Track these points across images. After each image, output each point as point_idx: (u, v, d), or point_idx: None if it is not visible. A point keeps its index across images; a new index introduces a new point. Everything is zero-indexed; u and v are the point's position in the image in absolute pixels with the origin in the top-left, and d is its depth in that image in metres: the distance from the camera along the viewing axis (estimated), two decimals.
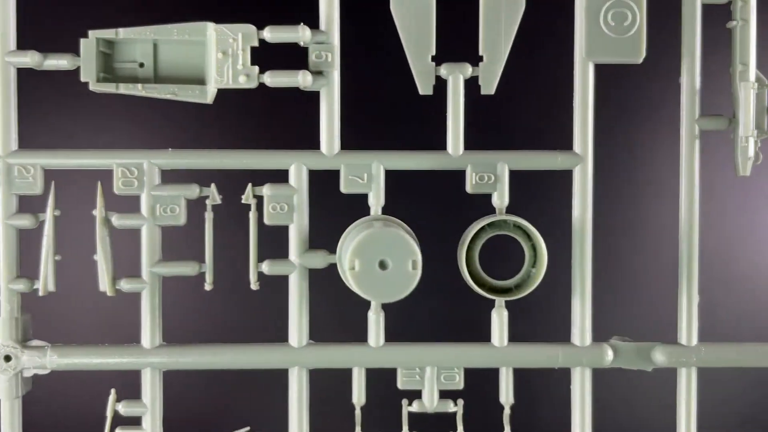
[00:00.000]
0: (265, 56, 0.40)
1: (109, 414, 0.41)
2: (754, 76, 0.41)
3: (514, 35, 0.40)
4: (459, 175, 0.41)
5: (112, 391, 0.41)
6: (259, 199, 0.41)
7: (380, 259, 0.36)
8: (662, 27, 0.40)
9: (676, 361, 0.41)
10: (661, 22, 0.41)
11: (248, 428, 0.41)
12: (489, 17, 0.40)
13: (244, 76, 0.39)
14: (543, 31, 0.40)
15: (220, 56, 0.39)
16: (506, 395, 0.41)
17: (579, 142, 0.41)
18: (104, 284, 0.41)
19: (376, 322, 0.41)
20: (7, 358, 0.41)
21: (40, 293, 0.41)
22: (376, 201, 0.41)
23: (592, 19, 0.40)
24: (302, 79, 0.40)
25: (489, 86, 0.41)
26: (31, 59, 0.40)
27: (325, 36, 0.40)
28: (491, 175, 0.41)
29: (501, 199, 0.41)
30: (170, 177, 0.41)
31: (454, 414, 0.42)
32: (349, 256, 0.36)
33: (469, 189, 0.41)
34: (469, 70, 0.40)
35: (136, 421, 0.41)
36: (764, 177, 0.42)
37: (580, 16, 0.40)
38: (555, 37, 0.41)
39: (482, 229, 0.41)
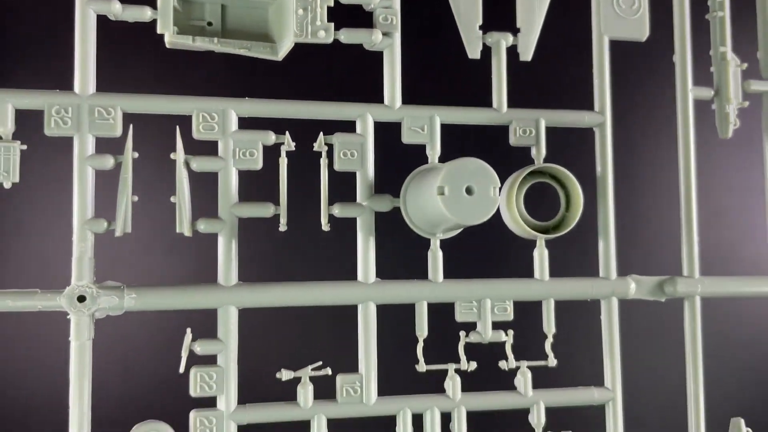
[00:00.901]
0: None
1: (184, 353, 0.41)
2: (730, 56, 0.50)
3: (545, 12, 0.47)
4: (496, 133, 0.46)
5: (188, 330, 0.42)
6: (329, 148, 0.44)
7: (467, 185, 0.40)
8: (660, 13, 0.49)
9: (684, 291, 0.48)
10: (659, 10, 0.49)
11: (320, 363, 0.43)
12: None
13: (322, 31, 0.43)
14: (569, 9, 0.47)
15: (300, 12, 0.43)
16: (548, 325, 0.46)
17: (599, 104, 0.48)
18: (182, 225, 0.42)
19: (435, 260, 0.45)
20: (81, 299, 0.40)
21: (117, 234, 0.41)
22: (434, 151, 0.45)
23: (607, 3, 0.48)
24: (375, 38, 0.44)
25: (526, 53, 0.47)
26: (111, 7, 0.41)
27: (390, 1, 0.45)
28: (531, 129, 0.47)
29: (539, 150, 0.47)
30: (244, 128, 0.43)
31: (503, 344, 0.46)
32: (439, 182, 0.40)
33: (512, 141, 0.47)
34: (510, 38, 0.47)
35: (211, 360, 0.42)
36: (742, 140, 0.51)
37: (596, 0, 0.48)
38: (579, 14, 0.48)
39: (523, 179, 0.46)
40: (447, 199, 0.40)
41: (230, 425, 0.41)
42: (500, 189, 0.41)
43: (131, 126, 0.42)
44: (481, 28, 0.46)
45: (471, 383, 0.45)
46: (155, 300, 0.41)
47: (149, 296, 0.41)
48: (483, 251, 0.53)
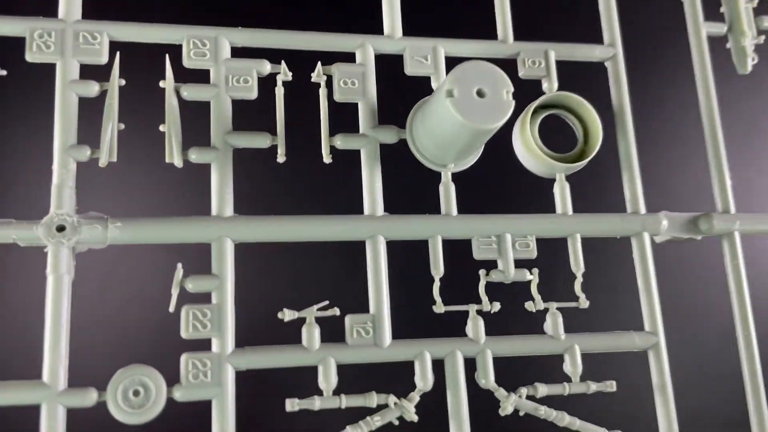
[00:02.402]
0: None
1: (175, 290, 0.37)
2: None
3: None
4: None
5: (179, 265, 0.37)
6: (328, 79, 0.42)
7: (478, 88, 0.37)
8: None
9: (722, 228, 0.44)
10: None
11: (327, 302, 0.39)
12: None
13: None
14: None
15: None
16: (576, 263, 0.42)
17: (608, 36, 0.46)
18: (171, 155, 0.39)
19: (447, 193, 0.41)
20: (61, 228, 0.36)
21: (101, 163, 0.38)
22: (439, 82, 0.43)
23: None
24: None
25: None
26: None
27: None
28: (541, 60, 0.44)
29: (551, 82, 0.44)
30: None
31: (529, 284, 0.41)
32: (447, 84, 0.37)
33: (522, 74, 0.44)
34: None
35: (205, 299, 0.37)
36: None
37: None
38: None
39: (535, 112, 0.44)
40: (457, 101, 0.37)
41: (227, 369, 0.36)
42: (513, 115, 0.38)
43: (117, 53, 0.39)
44: None
45: (494, 328, 0.41)
46: (142, 232, 0.37)
47: (136, 228, 0.37)
48: (498, 191, 0.49)
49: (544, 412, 0.39)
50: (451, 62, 0.43)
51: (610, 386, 0.40)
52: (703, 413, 0.51)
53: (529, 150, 0.43)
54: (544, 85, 0.44)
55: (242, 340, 0.38)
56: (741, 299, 0.43)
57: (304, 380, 0.38)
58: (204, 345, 0.37)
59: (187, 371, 0.36)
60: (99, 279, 0.38)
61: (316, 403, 0.37)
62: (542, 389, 0.40)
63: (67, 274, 0.36)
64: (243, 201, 0.40)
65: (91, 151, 0.38)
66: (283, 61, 0.41)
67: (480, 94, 0.37)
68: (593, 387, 0.40)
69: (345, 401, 0.37)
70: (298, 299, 0.39)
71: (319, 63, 0.42)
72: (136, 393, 0.35)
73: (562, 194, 0.43)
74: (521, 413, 0.40)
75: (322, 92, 0.41)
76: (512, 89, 0.38)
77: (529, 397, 0.40)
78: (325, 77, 0.42)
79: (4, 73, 0.38)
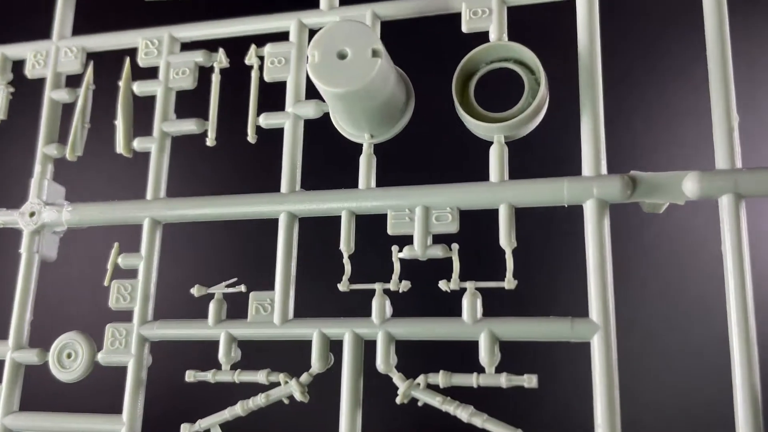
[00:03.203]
0: None
1: (110, 266, 0.41)
2: None
3: None
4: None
5: (116, 244, 0.42)
6: (261, 61, 0.42)
7: (339, 50, 0.35)
8: None
9: (713, 188, 0.34)
10: None
11: (235, 279, 0.39)
12: None
13: None
14: None
15: None
16: (507, 238, 0.36)
17: None
18: (121, 145, 0.43)
19: (367, 166, 0.39)
20: (32, 214, 0.43)
21: (68, 157, 0.44)
22: None
23: None
24: None
25: None
26: None
27: None
28: (486, 9, 0.39)
29: (499, 31, 0.39)
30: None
31: (450, 260, 0.37)
32: (309, 50, 0.35)
33: (464, 28, 0.39)
34: None
35: (134, 274, 0.41)
36: None
37: None
38: None
39: (481, 68, 0.39)
40: (316, 66, 0.35)
41: (139, 339, 0.40)
42: (382, 51, 0.35)
43: (91, 63, 0.45)
44: None
45: (411, 311, 0.37)
46: (89, 214, 0.43)
47: (84, 210, 0.43)
48: (450, 162, 0.44)
49: (442, 401, 0.35)
50: (388, 25, 0.41)
51: (530, 381, 0.34)
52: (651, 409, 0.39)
53: (462, 109, 0.38)
54: (491, 36, 0.39)
55: (169, 314, 0.40)
56: (739, 268, 0.33)
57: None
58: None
59: (107, 339, 0.40)
60: (67, 259, 0.44)
61: (211, 377, 0.38)
62: (447, 379, 0.35)
63: (37, 252, 0.43)
64: (181, 182, 0.43)
65: (63, 148, 0.44)
66: (221, 49, 0.43)
67: (341, 55, 0.35)
68: (509, 380, 0.34)
69: (238, 376, 0.38)
70: (222, 277, 0.40)
71: (253, 46, 0.43)
72: (69, 355, 0.40)
73: (498, 159, 0.37)
74: (420, 403, 0.36)
75: (254, 74, 0.42)
76: (379, 46, 0.35)
77: (433, 386, 0.36)
78: (258, 60, 0.42)
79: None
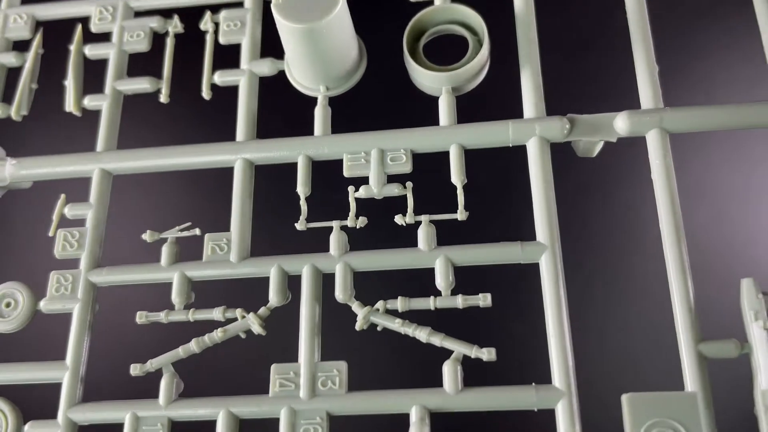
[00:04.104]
0: None
1: (55, 217, 0.41)
2: None
3: None
4: None
5: (62, 195, 0.41)
6: (216, 27, 0.44)
7: None
8: None
9: (641, 124, 0.38)
10: None
11: (189, 224, 0.39)
12: None
13: None
14: None
15: None
16: (458, 174, 0.38)
17: None
18: (70, 104, 0.43)
19: (322, 115, 0.41)
20: None
21: (13, 116, 0.43)
22: None
23: None
24: None
25: None
26: None
27: None
28: None
29: None
30: None
31: (404, 198, 0.39)
32: None
33: None
34: None
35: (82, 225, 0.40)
36: None
37: None
38: None
39: (429, 29, 0.42)
40: (281, 5, 0.37)
41: (87, 284, 0.39)
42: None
43: (41, 29, 0.46)
44: None
45: (368, 245, 0.38)
46: (33, 167, 0.42)
47: (28, 164, 0.42)
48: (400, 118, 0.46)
49: (401, 324, 0.36)
50: None
51: (484, 299, 0.36)
52: (598, 324, 0.42)
53: (411, 68, 0.41)
54: (436, 2, 0.43)
55: (111, 263, 0.40)
56: (671, 199, 0.36)
57: None
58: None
59: (51, 285, 0.39)
60: (9, 216, 0.43)
61: (164, 317, 0.38)
62: (404, 303, 0.36)
63: None
64: (132, 138, 0.43)
65: (8, 107, 0.44)
66: (175, 15, 0.45)
67: None
68: (464, 301, 0.36)
69: (193, 315, 0.37)
70: (166, 223, 0.40)
71: (208, 12, 0.44)
72: (8, 304, 0.39)
73: (446, 106, 0.40)
74: (379, 328, 0.36)
75: (210, 37, 0.44)
76: None
77: (392, 311, 0.36)
78: (213, 25, 0.44)
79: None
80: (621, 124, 0.38)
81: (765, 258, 0.39)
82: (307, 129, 0.41)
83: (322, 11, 0.37)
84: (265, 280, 0.38)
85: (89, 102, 0.43)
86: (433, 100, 0.41)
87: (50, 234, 0.40)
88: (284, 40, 0.39)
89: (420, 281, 0.38)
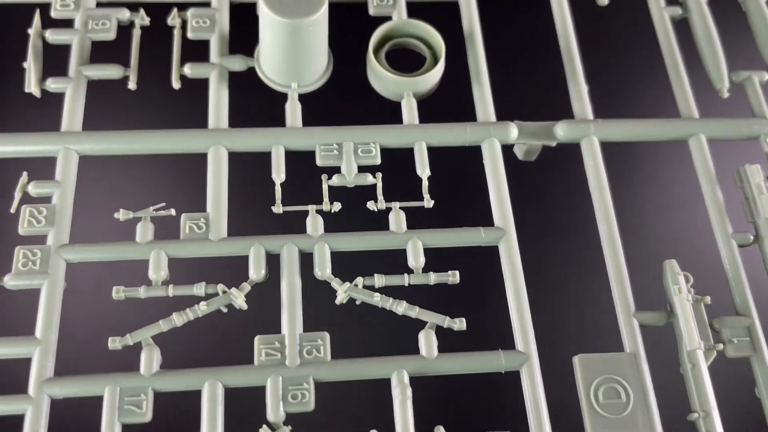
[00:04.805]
0: None
1: (18, 193, 0.40)
2: None
3: None
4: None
5: (24, 173, 0.40)
6: (183, 23, 0.46)
7: None
8: None
9: (576, 134, 0.44)
10: None
11: (164, 204, 0.40)
12: None
13: None
14: None
15: None
16: (422, 167, 0.42)
17: None
18: (30, 85, 0.43)
19: (293, 109, 0.44)
20: None
21: None
22: None
23: None
24: None
25: None
26: None
27: None
28: None
29: (400, 16, 0.47)
30: None
31: (374, 187, 0.42)
32: None
33: (372, 11, 0.47)
34: None
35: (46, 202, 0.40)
36: None
37: None
38: None
39: (385, 43, 0.46)
40: (271, 2, 0.40)
41: (57, 261, 0.38)
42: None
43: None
44: None
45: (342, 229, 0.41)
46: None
47: None
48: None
49: (380, 299, 0.39)
50: None
51: (453, 276, 0.39)
52: (554, 299, 0.48)
53: (376, 73, 0.45)
54: (394, 17, 0.47)
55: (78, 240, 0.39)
56: (603, 200, 0.42)
57: None
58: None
59: (17, 260, 0.38)
60: None
61: (142, 292, 0.38)
62: (380, 280, 0.39)
63: None
64: (98, 123, 0.43)
65: None
66: (141, 9, 0.46)
67: None
68: (434, 278, 0.39)
69: (172, 290, 0.38)
70: (138, 204, 0.40)
71: (175, 8, 0.46)
72: None
73: (408, 108, 0.44)
74: (357, 302, 0.39)
75: (177, 31, 0.45)
76: None
77: (369, 287, 0.39)
78: (180, 20, 0.46)
79: None
80: (560, 131, 0.44)
81: (684, 244, 0.46)
82: (272, 124, 0.44)
83: (309, 9, 0.40)
84: (236, 261, 0.40)
85: (53, 84, 0.43)
86: (389, 105, 0.45)
87: (12, 210, 0.39)
88: (265, 34, 0.41)
89: (391, 263, 0.41)
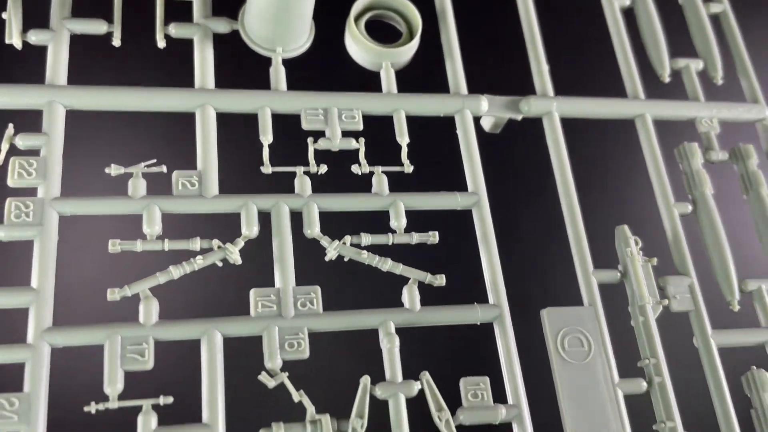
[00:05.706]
0: None
1: (4, 145, 0.39)
2: None
3: None
4: None
5: (10, 125, 0.40)
6: None
7: None
8: None
9: (540, 109, 0.48)
10: None
11: (155, 160, 0.41)
12: None
13: None
14: None
15: None
16: (401, 135, 0.45)
17: None
18: (11, 36, 0.42)
19: (277, 72, 0.45)
20: None
21: None
22: None
23: None
24: None
25: None
26: None
27: None
28: None
29: None
30: None
31: (357, 151, 0.44)
32: None
33: None
34: None
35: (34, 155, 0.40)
36: None
37: None
38: None
39: (362, 15, 0.48)
40: None
41: (50, 213, 0.38)
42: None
43: None
44: None
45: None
46: None
47: None
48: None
49: (367, 256, 0.41)
50: None
51: (433, 236, 0.42)
52: (522, 259, 0.53)
53: (357, 42, 0.47)
54: None
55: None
56: (563, 171, 0.46)
57: None
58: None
59: (9, 212, 0.38)
60: None
61: (138, 246, 0.38)
62: (366, 238, 0.41)
63: None
64: (83, 78, 0.43)
65: None
66: None
67: None
68: (416, 238, 0.42)
69: (168, 245, 0.39)
70: (122, 159, 0.41)
71: None
72: None
73: (387, 78, 0.47)
74: (346, 259, 0.41)
75: None
76: None
77: (355, 245, 0.41)
78: None
79: None
80: (525, 106, 0.48)
81: (633, 212, 0.51)
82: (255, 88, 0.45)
83: None
84: (225, 219, 0.41)
85: (33, 36, 0.42)
86: (364, 76, 0.48)
87: None
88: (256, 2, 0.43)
89: (375, 227, 0.43)
